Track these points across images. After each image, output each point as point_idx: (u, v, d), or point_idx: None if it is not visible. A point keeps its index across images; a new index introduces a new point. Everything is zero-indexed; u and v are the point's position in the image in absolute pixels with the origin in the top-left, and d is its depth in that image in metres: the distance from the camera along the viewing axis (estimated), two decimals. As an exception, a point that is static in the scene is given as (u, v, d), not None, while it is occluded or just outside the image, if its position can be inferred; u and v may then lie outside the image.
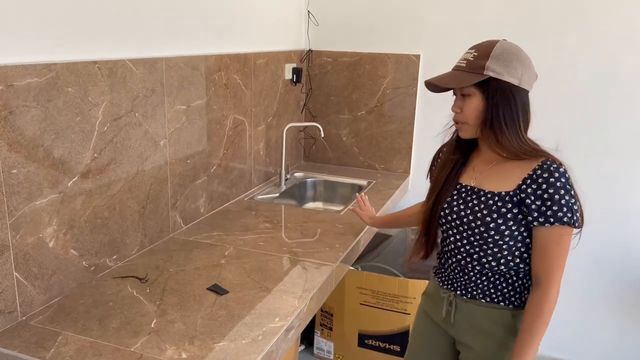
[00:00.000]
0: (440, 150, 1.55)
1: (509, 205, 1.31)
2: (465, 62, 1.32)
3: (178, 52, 1.85)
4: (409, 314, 2.41)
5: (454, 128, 1.45)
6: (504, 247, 1.33)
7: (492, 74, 1.28)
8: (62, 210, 1.42)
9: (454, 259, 1.45)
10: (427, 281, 2.38)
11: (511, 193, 1.31)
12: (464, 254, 1.41)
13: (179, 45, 1.86)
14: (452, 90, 1.37)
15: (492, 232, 1.32)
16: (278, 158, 2.71)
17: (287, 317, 1.40)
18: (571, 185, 1.28)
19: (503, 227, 1.31)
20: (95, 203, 1.54)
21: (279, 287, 1.57)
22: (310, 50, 2.91)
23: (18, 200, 1.29)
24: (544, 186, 1.26)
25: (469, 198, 1.39)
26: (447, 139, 1.52)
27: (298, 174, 2.84)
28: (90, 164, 1.49)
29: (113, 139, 1.57)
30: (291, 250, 1.84)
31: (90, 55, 1.47)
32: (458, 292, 1.44)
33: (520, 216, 1.31)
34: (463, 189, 1.42)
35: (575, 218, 1.27)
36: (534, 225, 1.29)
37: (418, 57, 2.73)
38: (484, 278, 1.39)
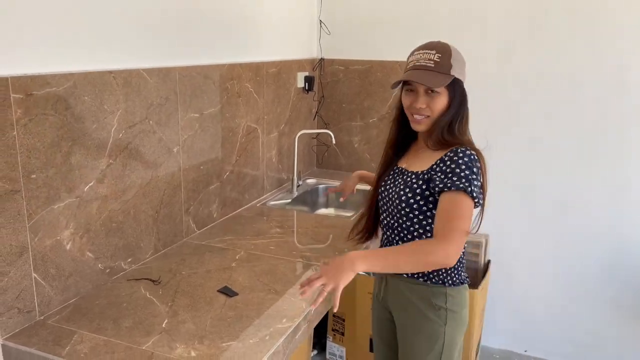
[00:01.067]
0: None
1: (420, 182, 1.45)
2: (432, 62, 1.41)
3: (191, 61, 1.91)
4: (420, 319, 2.42)
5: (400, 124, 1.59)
6: (415, 220, 1.47)
7: (456, 75, 1.42)
8: (78, 214, 1.48)
9: (385, 236, 1.60)
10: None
11: (424, 172, 1.46)
12: (390, 230, 1.56)
13: (192, 55, 1.92)
14: (406, 86, 1.48)
15: (404, 205, 1.47)
16: (290, 165, 2.75)
17: (294, 318, 1.43)
18: (473, 164, 1.38)
19: (412, 201, 1.46)
20: (110, 207, 1.59)
21: (287, 289, 1.60)
22: (322, 59, 2.96)
23: (37, 204, 1.35)
24: (448, 162, 1.39)
25: (397, 177, 1.56)
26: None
27: (310, 181, 2.88)
28: (105, 169, 1.55)
29: (128, 146, 1.63)
30: (301, 254, 1.88)
31: (105, 65, 1.53)
32: None
33: (427, 192, 1.44)
34: (397, 170, 1.58)
35: (472, 188, 1.35)
36: (437, 195, 1.39)
37: (429, 64, 2.75)
38: None
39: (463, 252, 1.50)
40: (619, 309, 2.64)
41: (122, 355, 1.25)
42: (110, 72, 1.53)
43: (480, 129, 2.85)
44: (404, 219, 1.49)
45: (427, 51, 1.43)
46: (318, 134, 3.04)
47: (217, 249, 1.90)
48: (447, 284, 1.49)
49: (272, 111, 2.53)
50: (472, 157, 1.39)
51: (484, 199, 1.41)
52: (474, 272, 2.63)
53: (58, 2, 1.36)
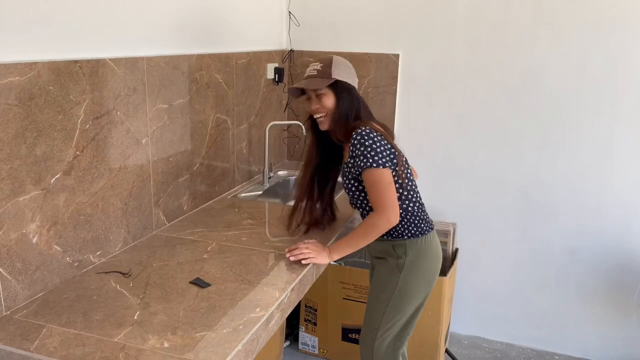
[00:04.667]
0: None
1: (352, 170, 1.76)
2: (315, 71, 1.77)
3: (159, 51, 1.88)
4: (391, 307, 2.46)
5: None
6: (361, 195, 1.80)
7: (338, 77, 1.75)
8: (45, 206, 1.45)
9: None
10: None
11: (348, 162, 1.79)
12: (352, 205, 1.93)
13: (160, 45, 1.89)
14: (306, 95, 1.83)
15: (349, 185, 1.82)
16: (261, 157, 2.74)
17: (267, 307, 1.44)
18: (366, 140, 1.67)
19: (353, 181, 1.80)
20: (78, 200, 1.56)
21: (260, 279, 1.61)
22: (291, 50, 2.95)
23: (1, 196, 1.31)
24: (352, 148, 1.72)
25: (344, 169, 1.87)
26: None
27: (281, 172, 2.88)
28: (72, 161, 1.52)
29: (95, 137, 1.60)
30: (273, 245, 1.88)
31: (71, 54, 1.49)
32: None
33: (356, 174, 1.76)
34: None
35: (377, 162, 1.66)
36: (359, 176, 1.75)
37: (397, 56, 2.78)
38: None
39: (414, 207, 1.79)
40: (581, 293, 2.75)
41: (93, 347, 1.24)
42: (76, 61, 1.50)
43: (448, 120, 2.90)
44: (354, 195, 1.83)
45: (314, 64, 1.80)
46: (289, 125, 3.04)
47: (188, 241, 1.89)
48: (405, 237, 1.79)
49: (242, 102, 2.52)
50: (363, 133, 1.67)
51: (399, 156, 1.71)
52: (442, 261, 2.69)
53: (20, -11, 1.32)
